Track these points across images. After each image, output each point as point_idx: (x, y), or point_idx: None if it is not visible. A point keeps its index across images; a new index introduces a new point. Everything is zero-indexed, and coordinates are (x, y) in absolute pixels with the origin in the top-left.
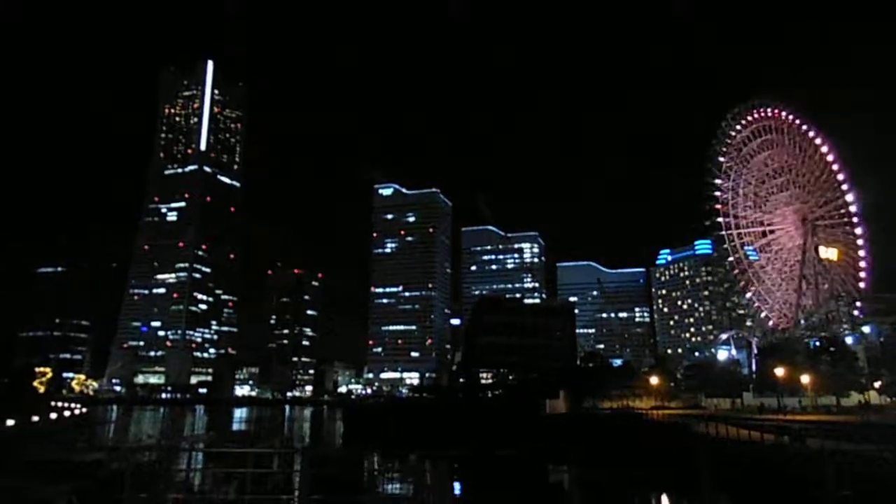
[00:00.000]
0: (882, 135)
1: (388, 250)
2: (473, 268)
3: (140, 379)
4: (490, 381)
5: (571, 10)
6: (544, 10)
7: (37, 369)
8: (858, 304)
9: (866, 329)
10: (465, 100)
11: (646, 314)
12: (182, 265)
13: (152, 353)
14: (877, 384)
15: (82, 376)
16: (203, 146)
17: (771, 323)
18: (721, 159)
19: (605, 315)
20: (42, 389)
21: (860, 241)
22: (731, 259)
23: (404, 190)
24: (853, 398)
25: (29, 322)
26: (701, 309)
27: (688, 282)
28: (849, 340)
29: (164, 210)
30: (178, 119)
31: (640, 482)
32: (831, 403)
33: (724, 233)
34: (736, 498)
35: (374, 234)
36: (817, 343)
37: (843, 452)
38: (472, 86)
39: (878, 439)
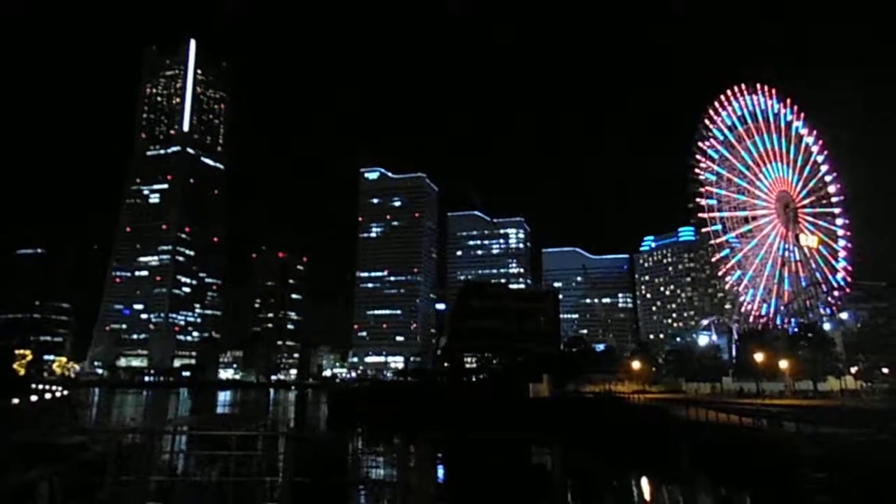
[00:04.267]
0: (866, 126)
1: (373, 234)
2: (459, 253)
3: (122, 362)
4: (474, 365)
5: (565, 3)
6: (540, 2)
7: (16, 351)
8: (836, 291)
9: (844, 316)
10: (452, 85)
11: (629, 300)
12: (165, 247)
13: (135, 336)
14: (853, 370)
15: (63, 359)
16: (186, 127)
17: (751, 308)
18: (706, 144)
19: (588, 301)
20: (22, 372)
21: (840, 230)
22: (712, 242)
23: (391, 174)
24: (830, 383)
25: (9, 304)
26: (683, 295)
27: (671, 268)
28: (827, 327)
29: (146, 192)
30: (160, 99)
31: (621, 464)
32: (809, 389)
33: (706, 215)
34: (714, 479)
35: (360, 219)
36: (796, 329)
37: (820, 436)
38: (460, 71)
39: (852, 423)
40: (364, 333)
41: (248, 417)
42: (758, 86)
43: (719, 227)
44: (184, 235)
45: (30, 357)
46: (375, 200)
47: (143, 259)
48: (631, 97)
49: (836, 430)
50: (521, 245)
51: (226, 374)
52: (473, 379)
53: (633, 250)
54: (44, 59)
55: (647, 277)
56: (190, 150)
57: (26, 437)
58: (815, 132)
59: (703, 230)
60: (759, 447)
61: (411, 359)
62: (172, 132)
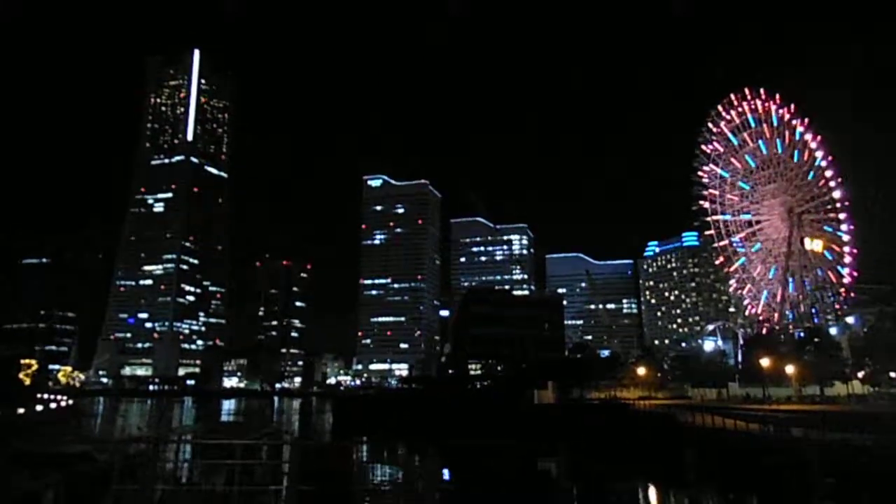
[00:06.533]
0: (870, 129)
1: (377, 242)
2: (462, 259)
3: (127, 371)
4: (479, 372)
5: (566, 7)
6: (541, 6)
7: (22, 361)
8: (842, 295)
9: (850, 320)
10: (456, 92)
11: (633, 305)
12: (169, 256)
13: (139, 345)
14: (860, 374)
15: (69, 368)
16: (190, 136)
17: (756, 313)
18: (709, 149)
19: (593, 306)
20: (27, 381)
21: (845, 234)
22: (716, 245)
23: (394, 181)
24: (837, 388)
25: (14, 313)
26: (688, 300)
27: (675, 273)
28: (833, 331)
29: (150, 201)
30: (164, 109)
31: (627, 470)
32: (815, 393)
33: (710, 218)
34: (722, 486)
35: (364, 226)
36: (802, 334)
37: (828, 441)
38: (464, 78)
39: (860, 428)
40: (368, 341)
41: (253, 426)
42: (761, 90)
43: (723, 230)
44: (188, 244)
45: (35, 366)
46: (379, 207)
47: (147, 268)
48: (634, 101)
49: (844, 435)
50: (525, 251)
51: (230, 382)
52: (478, 386)
53: (636, 255)
54: (49, 68)
55: (651, 283)
56: (194, 160)
57: (32, 447)
58: (818, 137)
59: (707, 233)
60: (766, 453)
61: (415, 366)
62: (176, 141)
